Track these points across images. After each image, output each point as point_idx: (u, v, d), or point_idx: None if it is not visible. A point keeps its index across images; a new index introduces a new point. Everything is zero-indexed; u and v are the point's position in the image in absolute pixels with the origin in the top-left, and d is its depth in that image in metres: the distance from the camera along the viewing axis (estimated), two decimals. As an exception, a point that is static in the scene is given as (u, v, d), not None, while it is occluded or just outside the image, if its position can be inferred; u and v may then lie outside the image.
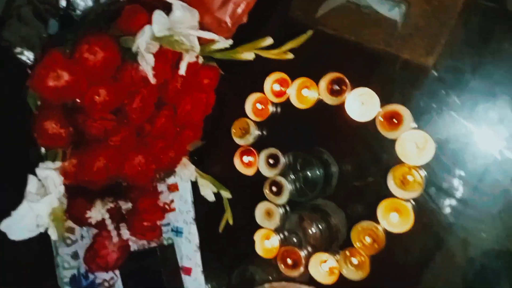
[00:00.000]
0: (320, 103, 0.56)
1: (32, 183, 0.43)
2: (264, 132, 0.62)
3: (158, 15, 0.46)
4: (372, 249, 0.52)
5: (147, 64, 0.46)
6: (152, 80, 0.48)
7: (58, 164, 0.47)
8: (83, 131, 0.50)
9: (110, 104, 0.50)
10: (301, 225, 0.60)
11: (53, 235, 0.44)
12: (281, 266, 0.57)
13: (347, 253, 0.54)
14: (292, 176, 0.60)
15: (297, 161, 0.60)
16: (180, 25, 0.45)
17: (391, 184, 0.50)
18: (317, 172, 0.59)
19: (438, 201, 0.49)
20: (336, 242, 0.57)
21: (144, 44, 0.43)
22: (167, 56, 0.53)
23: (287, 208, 0.60)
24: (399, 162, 0.50)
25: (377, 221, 0.51)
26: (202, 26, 0.56)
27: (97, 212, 0.66)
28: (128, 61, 0.49)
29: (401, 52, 0.53)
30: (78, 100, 0.48)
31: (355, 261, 0.53)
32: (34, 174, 0.45)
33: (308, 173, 0.60)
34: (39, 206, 0.42)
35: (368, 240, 0.52)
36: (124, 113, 0.52)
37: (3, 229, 0.41)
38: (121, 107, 0.52)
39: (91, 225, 0.67)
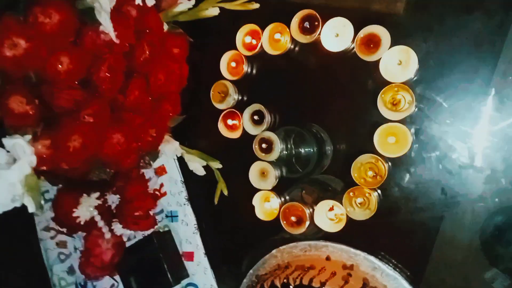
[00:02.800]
0: (295, 52, 0.55)
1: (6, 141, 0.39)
2: (245, 97, 0.60)
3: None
4: (376, 182, 0.49)
5: (106, 20, 0.44)
6: (115, 38, 0.45)
7: (28, 137, 0.43)
8: (52, 105, 0.47)
9: (75, 73, 0.47)
10: (302, 199, 0.57)
11: (30, 206, 0.40)
12: (284, 224, 0.53)
13: (351, 194, 0.50)
14: (284, 152, 0.58)
15: (291, 137, 0.58)
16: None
17: (383, 109, 0.48)
18: (311, 150, 0.57)
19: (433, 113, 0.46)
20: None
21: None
22: (129, 20, 0.51)
23: (283, 170, 0.57)
24: (386, 84, 0.48)
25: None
26: (162, -9, 0.55)
27: (85, 210, 0.62)
28: (88, 24, 0.47)
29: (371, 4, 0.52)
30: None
31: (359, 200, 0.50)
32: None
33: (302, 150, 0.58)
34: (10, 174, 0.38)
35: (370, 174, 0.49)
36: (93, 84, 0.50)
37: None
38: (89, 77, 0.49)
39: (80, 226, 0.63)
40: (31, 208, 0.41)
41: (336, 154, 0.56)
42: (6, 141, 0.40)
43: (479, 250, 0.47)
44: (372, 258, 0.48)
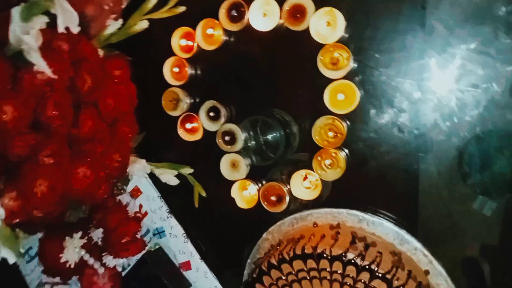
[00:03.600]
0: (232, 42, 0.57)
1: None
2: (197, 99, 0.61)
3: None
4: (338, 140, 0.51)
5: (38, 59, 0.44)
6: (52, 75, 0.46)
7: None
8: (8, 156, 0.47)
9: (22, 119, 0.47)
10: (283, 181, 0.58)
11: (10, 257, 0.40)
12: (266, 205, 0.55)
13: (319, 158, 0.52)
14: (253, 142, 0.59)
15: (257, 126, 0.59)
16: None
17: (325, 71, 0.50)
18: (277, 134, 0.58)
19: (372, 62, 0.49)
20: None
21: (19, 28, 0.41)
22: (62, 54, 0.51)
23: (255, 159, 0.59)
24: (322, 47, 0.50)
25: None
26: (88, 18, 0.55)
27: (72, 252, 0.62)
28: (22, 67, 0.47)
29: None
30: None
31: (328, 162, 0.52)
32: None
33: (269, 137, 0.59)
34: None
35: (331, 134, 0.51)
36: (43, 125, 0.50)
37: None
38: (38, 119, 0.49)
39: (72, 270, 0.63)
40: (11, 259, 0.40)
41: (303, 131, 0.57)
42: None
43: (461, 183, 0.50)
44: (354, 211, 0.50)
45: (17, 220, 0.50)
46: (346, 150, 0.53)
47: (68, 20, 0.43)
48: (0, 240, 0.40)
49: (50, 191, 0.51)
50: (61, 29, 0.43)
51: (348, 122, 0.52)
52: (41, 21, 0.42)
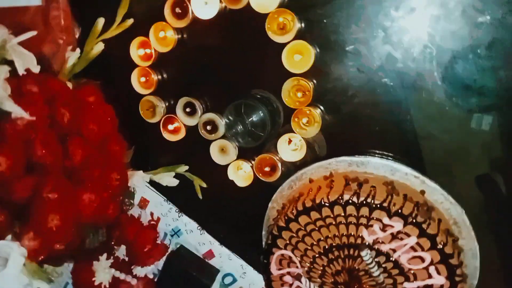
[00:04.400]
0: (186, 39, 0.59)
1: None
2: (172, 101, 0.64)
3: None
4: (308, 98, 0.53)
5: (12, 106, 0.47)
6: (29, 117, 0.49)
7: (8, 237, 0.46)
8: (14, 201, 0.50)
9: (15, 165, 0.50)
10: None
11: (43, 285, 0.44)
12: (260, 175, 0.58)
13: (296, 119, 0.55)
14: (241, 127, 0.62)
15: (241, 111, 0.61)
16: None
17: (276, 37, 0.52)
18: (261, 113, 0.60)
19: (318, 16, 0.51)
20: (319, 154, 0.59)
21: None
22: (33, 96, 0.54)
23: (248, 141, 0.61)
24: (266, 16, 0.52)
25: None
26: (47, 56, 0.58)
27: (103, 274, 0.65)
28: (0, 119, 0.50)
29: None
30: None
31: (305, 120, 0.55)
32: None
33: (254, 117, 0.62)
34: (9, 271, 0.42)
35: (299, 95, 0.54)
36: (37, 165, 0.53)
37: (-5, 313, 0.41)
38: (30, 161, 0.52)
39: (108, 290, 0.67)
40: (45, 286, 0.44)
41: (283, 103, 0.58)
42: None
43: (455, 106, 0.52)
44: (342, 158, 0.53)
45: (42, 257, 0.53)
46: (321, 107, 0.56)
47: (26, 62, 0.46)
48: (30, 275, 0.44)
49: (64, 223, 0.55)
50: (21, 72, 0.46)
51: (314, 81, 0.55)
52: (3, 71, 0.45)
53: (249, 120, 0.62)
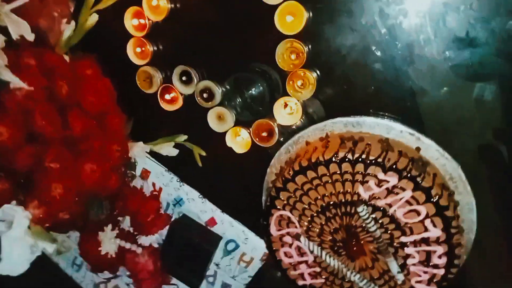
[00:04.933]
0: (179, 8, 0.59)
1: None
2: (168, 72, 0.64)
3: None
4: (302, 60, 0.53)
5: (10, 76, 0.48)
6: (27, 86, 0.50)
7: (13, 202, 0.48)
8: (17, 170, 0.51)
9: (16, 134, 0.51)
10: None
11: (48, 247, 0.45)
12: (257, 140, 0.59)
13: (291, 82, 0.55)
14: (239, 100, 0.62)
15: (240, 84, 0.61)
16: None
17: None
18: (260, 87, 0.60)
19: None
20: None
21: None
22: (31, 68, 0.55)
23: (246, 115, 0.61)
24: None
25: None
26: (43, 29, 0.59)
27: (109, 244, 0.67)
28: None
29: None
30: None
31: (300, 83, 0.55)
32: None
33: (253, 91, 0.62)
34: (14, 232, 0.43)
35: (293, 57, 0.54)
36: (37, 135, 0.54)
37: (3, 272, 0.42)
38: (31, 131, 0.53)
39: (115, 259, 0.68)
40: (50, 248, 0.45)
41: (281, 74, 0.57)
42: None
43: (448, 61, 0.51)
44: (337, 119, 0.54)
45: (47, 224, 0.55)
46: (316, 70, 0.56)
47: (19, 29, 0.47)
48: (36, 237, 0.45)
49: (67, 192, 0.56)
50: (14, 36, 0.47)
51: (309, 46, 0.55)
52: (-1, 40, 0.46)
53: (248, 93, 0.62)
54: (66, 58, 0.60)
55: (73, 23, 0.58)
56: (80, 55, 0.62)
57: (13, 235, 0.43)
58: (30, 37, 0.49)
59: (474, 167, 0.54)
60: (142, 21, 0.59)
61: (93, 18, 0.58)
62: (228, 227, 0.66)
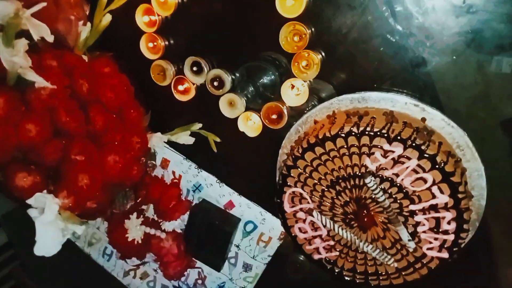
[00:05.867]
0: (187, 2, 0.62)
1: (31, 212, 0.48)
2: (180, 66, 0.67)
3: None
4: (305, 41, 0.55)
5: (35, 76, 0.52)
6: (50, 85, 0.54)
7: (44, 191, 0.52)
8: (45, 163, 0.56)
9: (44, 130, 0.55)
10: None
11: (78, 229, 0.49)
12: (266, 122, 0.61)
13: (296, 63, 0.57)
14: (252, 89, 0.65)
15: (251, 73, 0.63)
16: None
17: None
18: (272, 75, 0.63)
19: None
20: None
21: (7, 53, 0.48)
22: (53, 69, 0.59)
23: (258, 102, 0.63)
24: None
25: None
26: (62, 32, 0.63)
27: (135, 231, 0.71)
28: (25, 90, 0.55)
29: None
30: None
31: (304, 63, 0.57)
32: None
33: (264, 80, 0.64)
34: (46, 217, 0.47)
35: (296, 39, 0.56)
36: (62, 130, 0.58)
37: (39, 253, 0.46)
38: (57, 127, 0.58)
39: (141, 245, 0.72)
40: (79, 230, 0.49)
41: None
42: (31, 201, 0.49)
43: (448, 29, 0.51)
44: (343, 96, 0.55)
45: (76, 212, 0.59)
46: (320, 50, 0.58)
47: (40, 31, 0.51)
48: (65, 221, 0.49)
49: (93, 182, 0.60)
50: (35, 38, 0.51)
51: (312, 28, 0.57)
52: (23, 44, 0.49)
53: (260, 82, 0.64)
54: (85, 57, 0.64)
55: (89, 24, 0.62)
56: (97, 54, 0.66)
57: (45, 219, 0.47)
58: (50, 38, 0.53)
59: (483, 134, 0.54)
60: (152, 17, 0.63)
61: (107, 19, 0.61)
62: (245, 209, 0.69)
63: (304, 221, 0.58)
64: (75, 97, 0.61)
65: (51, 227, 0.47)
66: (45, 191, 0.52)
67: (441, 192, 0.49)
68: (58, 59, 0.61)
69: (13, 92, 0.54)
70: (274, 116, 0.61)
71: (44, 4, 0.49)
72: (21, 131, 0.54)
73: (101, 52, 0.66)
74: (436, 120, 0.52)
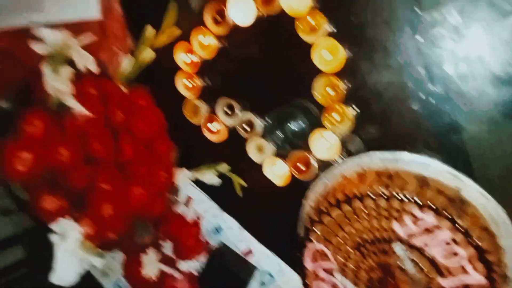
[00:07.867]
0: (227, 45, 0.64)
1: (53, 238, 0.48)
2: (214, 105, 0.68)
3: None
4: (340, 95, 0.55)
5: (74, 102, 0.53)
6: (88, 113, 0.55)
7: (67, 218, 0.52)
8: (72, 188, 0.56)
9: (75, 155, 0.56)
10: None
11: (97, 263, 0.48)
12: (297, 174, 0.60)
13: (326, 115, 0.56)
14: (280, 135, 0.65)
15: (282, 119, 0.64)
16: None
17: (306, 37, 0.55)
18: (301, 123, 0.63)
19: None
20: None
21: (52, 80, 0.50)
22: (93, 98, 0.61)
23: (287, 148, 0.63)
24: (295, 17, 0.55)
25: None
26: (104, 62, 0.65)
27: (151, 267, 0.70)
28: (63, 115, 0.57)
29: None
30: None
31: (337, 116, 0.56)
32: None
33: (293, 127, 0.64)
34: (67, 244, 0.47)
35: (331, 91, 0.55)
36: (92, 157, 0.59)
37: (57, 282, 0.46)
38: (87, 154, 0.59)
39: (156, 283, 0.71)
40: (99, 263, 0.49)
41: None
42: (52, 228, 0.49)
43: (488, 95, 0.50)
44: (374, 153, 0.53)
45: (96, 243, 0.59)
46: (353, 106, 0.57)
47: (86, 62, 0.53)
48: (86, 251, 0.49)
49: (116, 213, 0.60)
50: (81, 68, 0.52)
51: (348, 84, 0.56)
52: (68, 71, 0.52)
53: (290, 128, 0.64)
54: (123, 88, 0.66)
55: (130, 56, 0.64)
56: (135, 86, 0.68)
57: (66, 247, 0.47)
58: (95, 68, 0.55)
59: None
60: (194, 58, 0.64)
61: (149, 54, 0.63)
62: (264, 258, 0.67)
63: (324, 280, 0.55)
64: (109, 125, 0.62)
65: (70, 255, 0.47)
66: (69, 217, 0.52)
67: (475, 269, 0.45)
68: (98, 87, 0.63)
69: (51, 116, 0.56)
70: (302, 167, 0.60)
71: (95, 38, 0.52)
72: (53, 154, 0.56)
73: (139, 84, 0.68)
74: (471, 191, 0.49)
